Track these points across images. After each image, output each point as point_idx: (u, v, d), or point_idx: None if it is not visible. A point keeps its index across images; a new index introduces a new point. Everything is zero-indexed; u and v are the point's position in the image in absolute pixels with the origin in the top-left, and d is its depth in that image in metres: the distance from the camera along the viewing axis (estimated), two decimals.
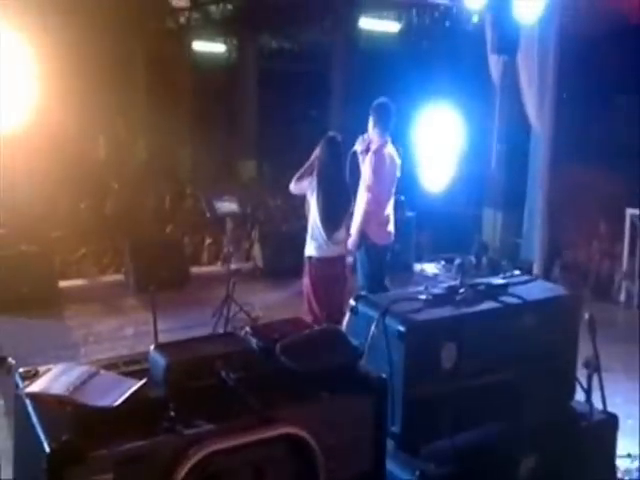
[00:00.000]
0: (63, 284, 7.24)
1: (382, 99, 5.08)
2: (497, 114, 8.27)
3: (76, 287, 7.51)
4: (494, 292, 2.92)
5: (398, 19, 8.64)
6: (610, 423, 3.06)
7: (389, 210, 5.14)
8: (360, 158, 5.09)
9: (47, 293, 6.72)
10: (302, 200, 5.13)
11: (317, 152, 4.82)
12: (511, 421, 2.86)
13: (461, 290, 2.90)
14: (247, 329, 2.38)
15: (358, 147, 5.02)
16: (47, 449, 1.72)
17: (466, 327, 2.75)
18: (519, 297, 2.90)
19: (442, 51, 9.30)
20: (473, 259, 8.61)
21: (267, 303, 6.74)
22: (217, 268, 8.38)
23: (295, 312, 4.62)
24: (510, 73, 7.56)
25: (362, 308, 2.82)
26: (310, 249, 4.84)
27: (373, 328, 2.66)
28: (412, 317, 2.67)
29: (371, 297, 2.90)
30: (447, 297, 2.86)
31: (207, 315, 6.18)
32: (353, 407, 2.20)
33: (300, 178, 4.86)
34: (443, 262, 8.73)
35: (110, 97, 11.96)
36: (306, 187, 4.83)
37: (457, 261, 8.66)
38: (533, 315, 2.89)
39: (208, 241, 9.44)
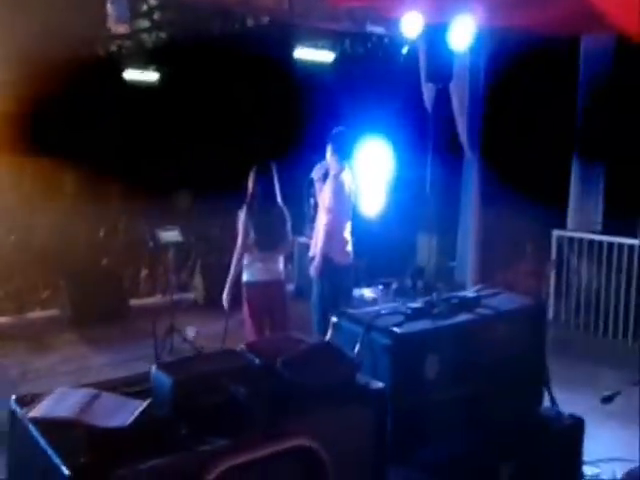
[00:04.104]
0: None
1: (340, 128, 5.26)
2: (431, 142, 8.54)
3: (8, 324, 7.16)
4: (468, 305, 3.03)
5: (332, 49, 8.80)
6: (577, 427, 3.21)
7: (347, 233, 5.26)
8: (317, 186, 5.20)
9: None
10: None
11: (250, 182, 4.87)
12: (489, 429, 2.95)
13: (437, 304, 2.99)
14: (242, 346, 2.37)
15: (315, 175, 5.15)
16: (66, 472, 1.65)
17: (446, 339, 2.84)
18: (493, 308, 3.02)
19: (375, 81, 9.53)
20: (409, 282, 8.80)
21: (209, 333, 6.63)
22: (157, 299, 8.20)
23: (238, 341, 4.56)
24: (443, 101, 7.84)
25: (345, 324, 2.86)
26: (246, 275, 4.90)
27: (359, 343, 2.70)
28: (396, 330, 2.73)
29: (353, 313, 2.94)
30: (425, 311, 2.94)
31: (149, 347, 6.04)
32: (356, 418, 2.22)
33: None
34: (381, 286, 8.86)
35: None
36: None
37: (394, 285, 8.88)
38: (506, 324, 3.02)
39: (145, 272, 9.21)
